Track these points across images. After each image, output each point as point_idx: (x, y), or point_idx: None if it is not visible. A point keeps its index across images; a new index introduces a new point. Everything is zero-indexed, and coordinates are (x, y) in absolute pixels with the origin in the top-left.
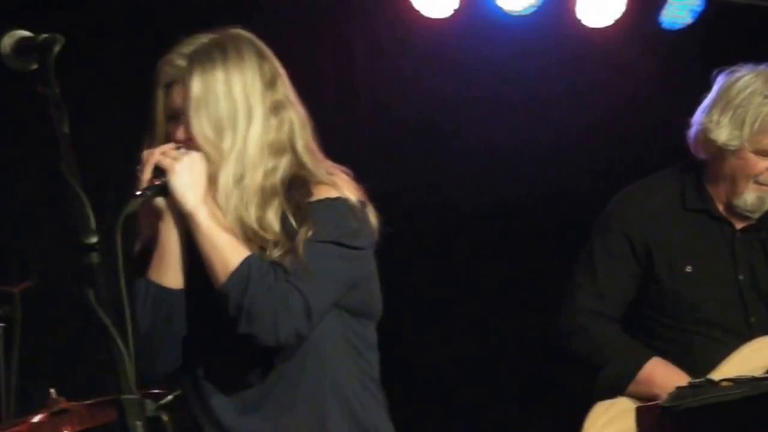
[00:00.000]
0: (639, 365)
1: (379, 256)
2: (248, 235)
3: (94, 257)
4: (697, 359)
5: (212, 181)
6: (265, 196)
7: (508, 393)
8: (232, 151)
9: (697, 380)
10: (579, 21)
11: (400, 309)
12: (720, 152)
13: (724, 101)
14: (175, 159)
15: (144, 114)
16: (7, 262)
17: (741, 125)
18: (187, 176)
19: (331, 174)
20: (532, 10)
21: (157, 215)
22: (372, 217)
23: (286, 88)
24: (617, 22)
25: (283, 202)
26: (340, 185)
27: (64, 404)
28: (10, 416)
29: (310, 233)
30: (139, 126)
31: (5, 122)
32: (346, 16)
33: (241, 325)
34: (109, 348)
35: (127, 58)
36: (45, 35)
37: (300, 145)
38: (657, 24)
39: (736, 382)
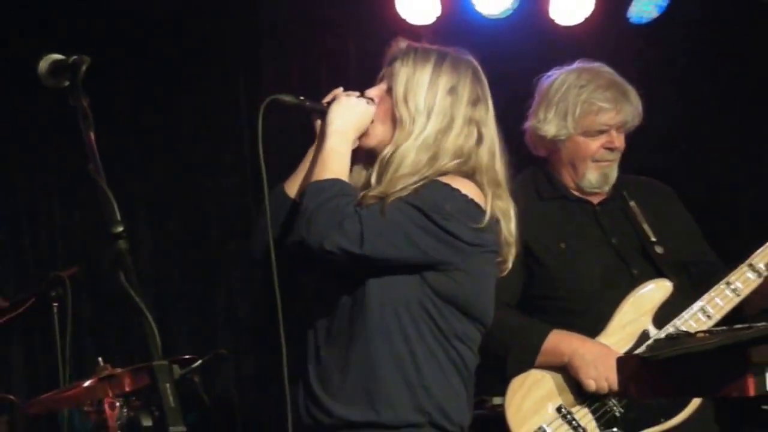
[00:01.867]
0: (542, 338)
1: None
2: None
3: (122, 244)
4: (592, 319)
5: (370, 135)
6: (413, 172)
7: None
8: (417, 133)
9: (674, 332)
10: (552, 21)
11: None
12: (554, 144)
13: (546, 100)
14: (348, 96)
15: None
16: (57, 252)
17: (564, 115)
18: (345, 109)
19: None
20: (509, 13)
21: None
22: (502, 229)
23: (485, 114)
24: (587, 20)
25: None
26: (469, 186)
27: (110, 371)
28: (66, 381)
29: (404, 193)
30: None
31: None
32: (341, 26)
33: (301, 228)
34: (140, 321)
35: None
36: (74, 57)
37: (481, 164)
38: (625, 20)
39: (712, 333)
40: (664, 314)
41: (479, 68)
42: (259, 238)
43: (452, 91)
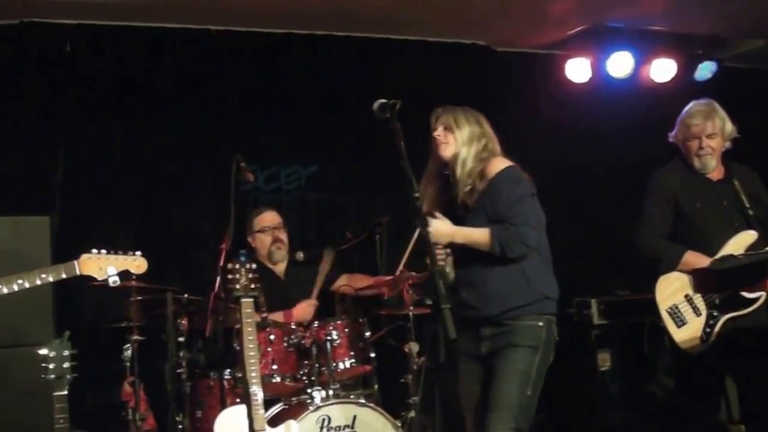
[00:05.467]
0: (681, 255)
1: None
2: (473, 188)
3: (416, 203)
4: (711, 248)
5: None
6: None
7: None
8: (468, 150)
9: (723, 256)
10: (652, 79)
11: None
12: (682, 144)
13: (679, 118)
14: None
15: None
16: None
17: (680, 128)
18: (440, 229)
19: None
20: (628, 74)
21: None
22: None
23: (488, 135)
24: (672, 78)
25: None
26: (506, 161)
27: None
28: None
29: (511, 194)
30: None
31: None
32: (536, 83)
33: (498, 254)
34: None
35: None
36: (393, 101)
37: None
38: (693, 79)
39: (746, 255)
40: (751, 250)
41: (480, 116)
42: None
43: (476, 128)
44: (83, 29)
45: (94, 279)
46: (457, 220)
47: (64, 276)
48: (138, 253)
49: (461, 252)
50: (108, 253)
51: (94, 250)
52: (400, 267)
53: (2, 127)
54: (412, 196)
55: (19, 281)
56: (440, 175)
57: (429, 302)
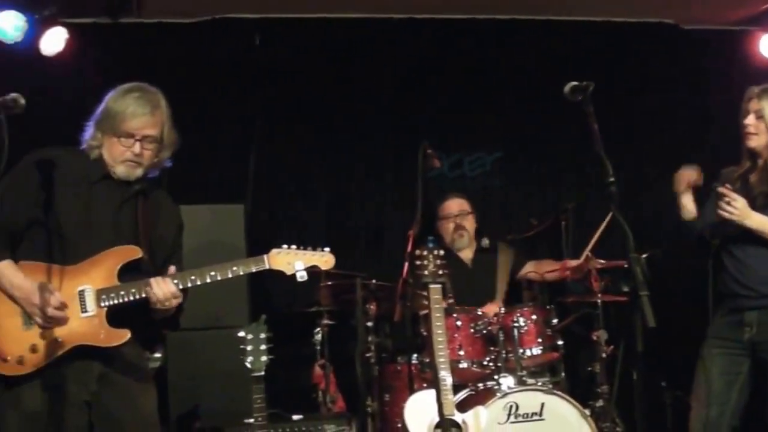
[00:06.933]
0: None
1: None
2: None
3: (613, 188)
4: None
5: None
6: None
7: None
8: None
9: None
10: None
11: None
12: None
13: None
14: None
15: None
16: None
17: None
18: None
19: None
20: None
21: None
22: None
23: None
24: None
25: None
26: None
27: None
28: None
29: None
30: None
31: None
32: (726, 61)
33: None
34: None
35: None
36: (586, 83)
37: None
38: None
39: None
40: None
41: None
42: None
43: None
44: (271, 23)
45: (282, 273)
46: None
47: (253, 270)
48: (327, 249)
49: (736, 238)
50: (297, 248)
51: (284, 245)
52: (586, 252)
53: (198, 120)
54: (607, 180)
55: (212, 273)
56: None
57: (626, 289)
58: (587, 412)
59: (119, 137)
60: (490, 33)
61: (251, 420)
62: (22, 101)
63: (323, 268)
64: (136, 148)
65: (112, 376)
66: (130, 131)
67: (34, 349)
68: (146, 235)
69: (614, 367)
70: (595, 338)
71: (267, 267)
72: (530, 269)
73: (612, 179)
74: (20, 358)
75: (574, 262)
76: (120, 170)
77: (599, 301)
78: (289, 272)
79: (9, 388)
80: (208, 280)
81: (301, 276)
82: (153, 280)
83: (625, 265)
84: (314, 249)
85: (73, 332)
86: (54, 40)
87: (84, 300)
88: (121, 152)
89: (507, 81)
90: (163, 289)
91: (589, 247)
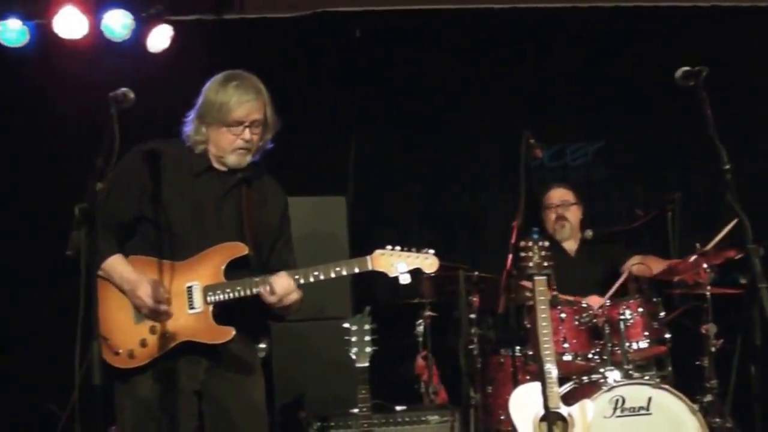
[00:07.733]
0: None
1: None
2: None
3: (728, 176)
4: None
5: None
6: None
7: None
8: None
9: None
10: None
11: None
12: None
13: None
14: None
15: None
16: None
17: None
18: None
19: None
20: None
21: None
22: None
23: None
24: None
25: None
26: None
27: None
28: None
29: None
30: None
31: None
32: None
33: None
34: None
35: None
36: (699, 68)
37: None
38: None
39: None
40: None
41: None
42: None
43: None
44: (371, 15)
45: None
46: None
47: (356, 270)
48: (431, 251)
49: None
50: (401, 249)
51: (388, 246)
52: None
53: (301, 113)
54: (722, 168)
55: (315, 273)
56: None
57: (743, 281)
58: (696, 407)
59: (228, 126)
60: (591, 22)
61: (355, 410)
62: (132, 95)
63: (427, 271)
64: (246, 134)
65: (220, 369)
66: (239, 119)
67: (144, 344)
68: (251, 225)
69: (728, 362)
70: (704, 331)
71: (370, 268)
72: (635, 262)
73: (727, 166)
74: (131, 352)
75: (683, 262)
76: (231, 159)
77: (708, 293)
78: (392, 274)
79: (124, 380)
80: (312, 280)
81: (404, 279)
82: (271, 279)
83: (737, 257)
84: (418, 250)
85: (181, 328)
86: (160, 38)
87: (192, 296)
88: (230, 141)
89: (608, 68)
90: (283, 285)
91: (715, 241)
